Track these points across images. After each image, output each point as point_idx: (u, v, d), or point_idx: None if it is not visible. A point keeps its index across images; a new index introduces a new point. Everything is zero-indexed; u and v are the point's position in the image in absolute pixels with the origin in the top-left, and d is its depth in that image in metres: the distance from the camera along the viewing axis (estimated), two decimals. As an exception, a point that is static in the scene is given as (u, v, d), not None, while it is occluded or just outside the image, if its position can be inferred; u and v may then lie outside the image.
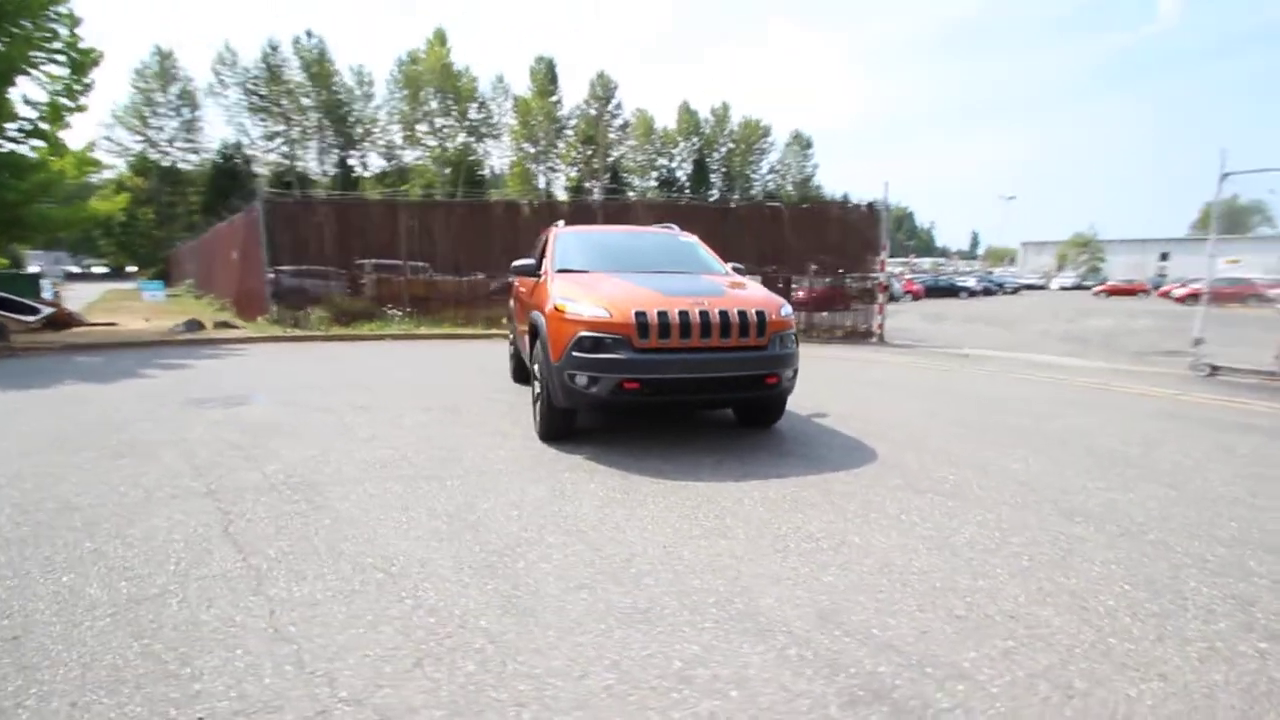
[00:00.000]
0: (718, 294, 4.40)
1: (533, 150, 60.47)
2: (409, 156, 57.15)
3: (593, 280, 4.75)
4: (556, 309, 4.34)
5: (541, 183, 62.10)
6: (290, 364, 8.88)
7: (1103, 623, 2.24)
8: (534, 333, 4.95)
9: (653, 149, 66.51)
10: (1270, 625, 2.24)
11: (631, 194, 59.55)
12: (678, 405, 5.02)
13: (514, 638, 2.11)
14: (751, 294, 4.52)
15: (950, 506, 3.35)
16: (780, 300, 4.59)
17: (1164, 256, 60.15)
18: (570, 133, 61.68)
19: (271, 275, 13.20)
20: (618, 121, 62.90)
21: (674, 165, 68.33)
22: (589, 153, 62.39)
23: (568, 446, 4.47)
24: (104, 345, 10.84)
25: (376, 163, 56.46)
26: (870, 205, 13.31)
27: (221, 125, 73.77)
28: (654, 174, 67.15)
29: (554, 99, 58.99)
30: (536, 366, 4.72)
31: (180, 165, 49.57)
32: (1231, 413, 6.08)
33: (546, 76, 58.05)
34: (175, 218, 46.34)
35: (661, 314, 4.07)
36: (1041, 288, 54.25)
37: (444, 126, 56.71)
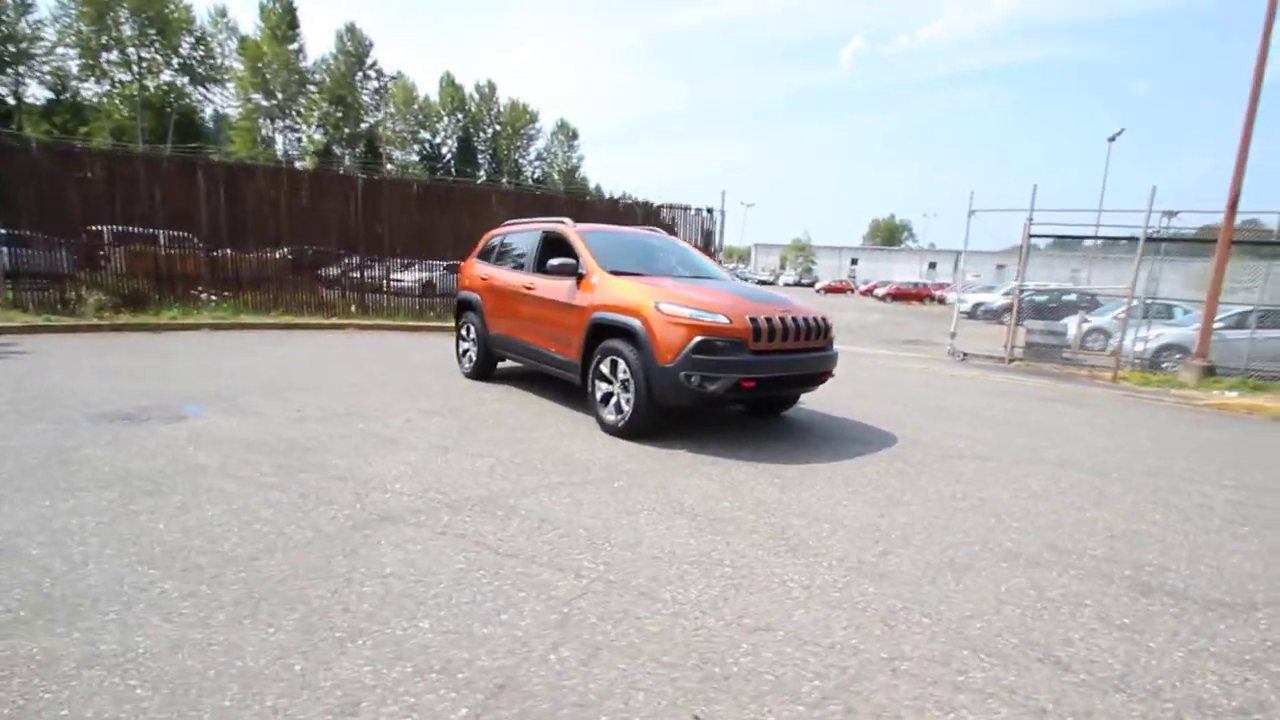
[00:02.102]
0: (784, 303, 4.94)
1: (266, 104, 51.94)
2: (91, 91, 44.82)
3: (662, 284, 4.92)
4: (662, 313, 4.46)
5: (279, 144, 53.83)
6: (129, 362, 6.98)
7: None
8: (597, 333, 4.95)
9: (414, 120, 62.02)
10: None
11: (390, 166, 55.05)
12: (751, 400, 5.39)
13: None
14: (805, 304, 5.14)
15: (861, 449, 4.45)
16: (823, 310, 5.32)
17: (854, 261, 75.23)
18: (314, 89, 54.40)
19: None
20: (372, 85, 57.31)
21: (438, 141, 64.73)
22: (338, 115, 55.82)
23: (656, 443, 4.61)
24: None
25: (41, 94, 43.20)
26: (709, 210, 14.75)
27: None
28: (416, 148, 62.79)
29: (293, 47, 51.34)
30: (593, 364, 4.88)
31: None
32: (990, 382, 8.60)
33: (284, 20, 50.16)
34: None
35: (769, 320, 4.50)
36: (771, 284, 63.99)
37: (144, 60, 45.62)
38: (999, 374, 10.21)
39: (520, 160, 71.44)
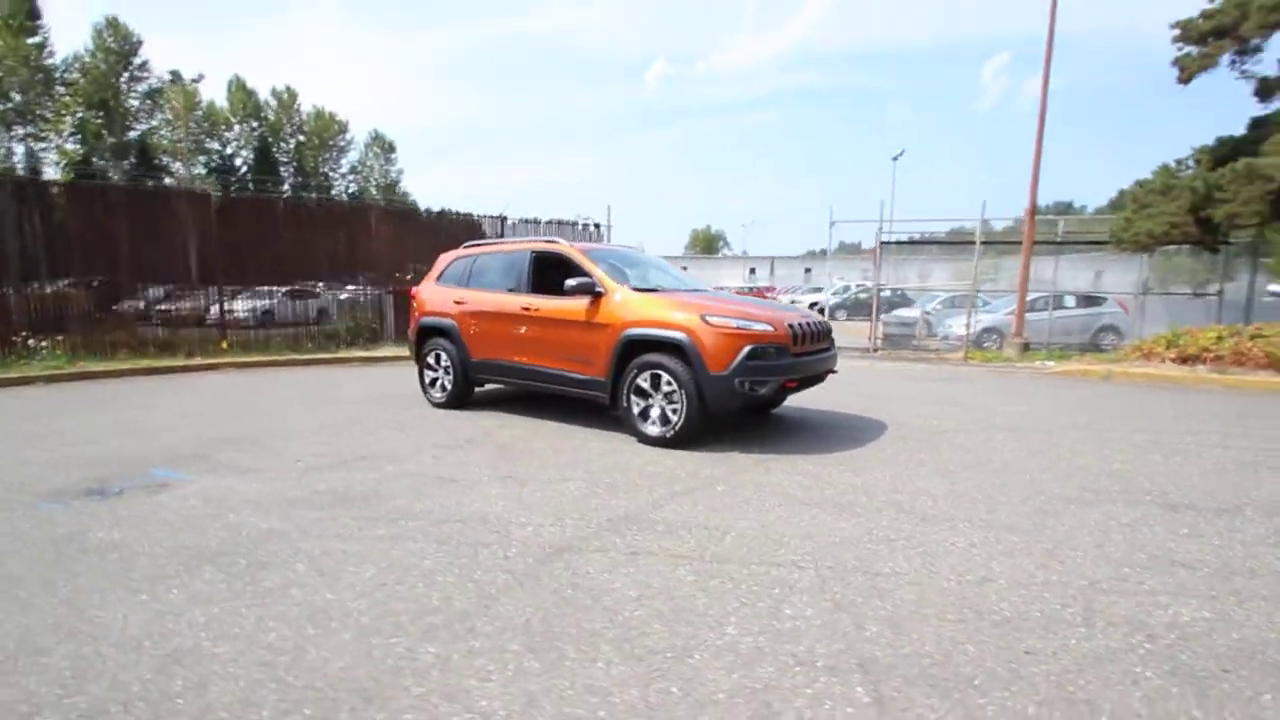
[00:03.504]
0: (793, 310, 5.48)
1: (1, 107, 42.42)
2: None
3: (689, 298, 5.21)
4: (711, 325, 4.75)
5: (19, 154, 44.28)
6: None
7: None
8: (630, 349, 5.09)
9: (199, 128, 54.44)
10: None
11: (169, 180, 48.06)
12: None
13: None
14: (807, 310, 5.72)
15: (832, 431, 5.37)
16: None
17: (684, 268, 79.58)
18: (64, 90, 45.56)
19: None
20: (142, 87, 49.36)
21: (230, 152, 57.48)
22: (98, 121, 47.27)
23: (697, 451, 4.87)
24: None
25: None
26: (595, 224, 15.10)
27: None
28: (203, 159, 55.15)
29: (36, 40, 42.63)
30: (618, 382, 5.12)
31: None
32: (887, 369, 10.09)
33: (21, 8, 41.46)
34: None
35: (800, 326, 4.98)
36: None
37: None
38: (885, 362, 11.78)
39: (331, 173, 65.86)
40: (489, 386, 6.88)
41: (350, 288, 13.12)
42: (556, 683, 2.03)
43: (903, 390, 8.11)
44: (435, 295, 6.69)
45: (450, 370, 6.45)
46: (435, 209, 13.69)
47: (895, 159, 37.99)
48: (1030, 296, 13.71)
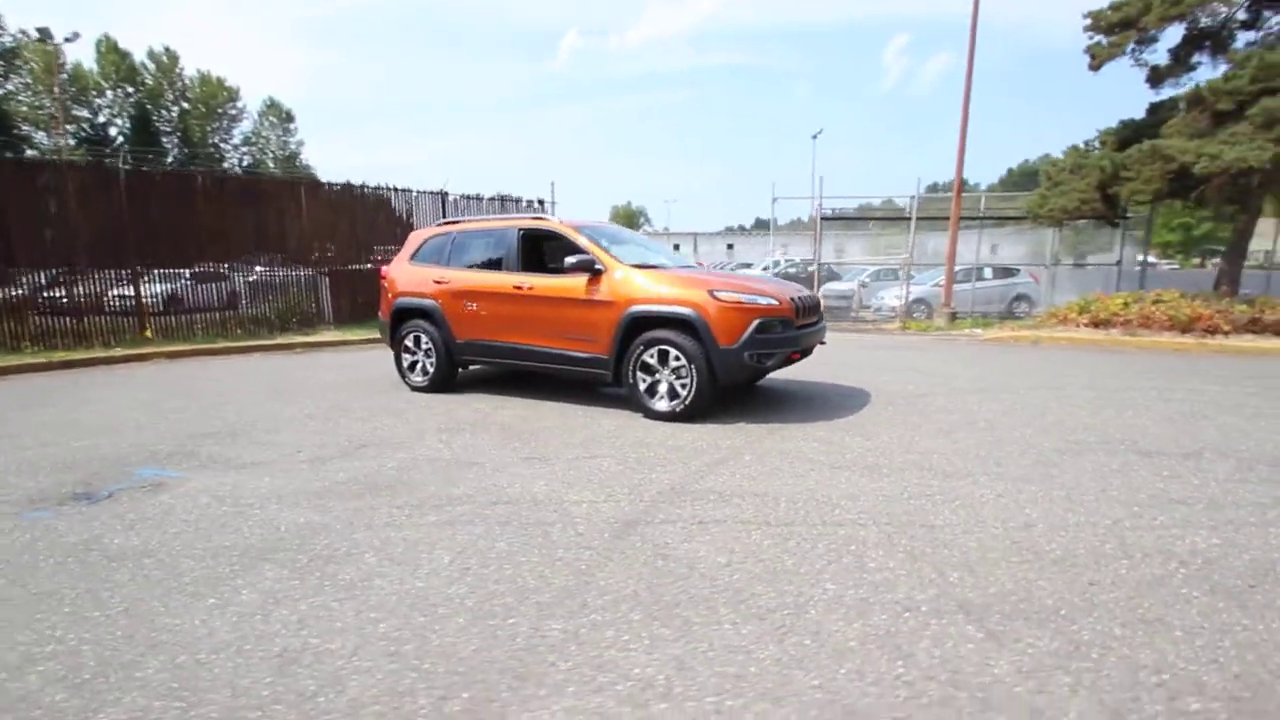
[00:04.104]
0: (787, 284, 5.67)
1: None
2: None
3: (691, 274, 5.30)
4: (720, 300, 4.85)
5: None
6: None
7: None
8: (635, 326, 5.12)
9: (65, 94, 48.60)
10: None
11: (32, 151, 43.10)
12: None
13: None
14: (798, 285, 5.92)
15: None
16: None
17: (677, 246, 79.51)
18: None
19: None
20: (-10, 44, 43.45)
21: (103, 120, 51.86)
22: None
23: (708, 423, 5.00)
24: None
25: None
26: (540, 201, 14.81)
27: None
28: (72, 128, 49.42)
29: None
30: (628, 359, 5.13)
31: None
32: (843, 339, 10.62)
33: None
34: None
35: (800, 299, 5.17)
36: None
37: None
38: (830, 334, 12.26)
39: (222, 144, 60.77)
40: (470, 368, 6.71)
41: (258, 269, 12.08)
42: (695, 646, 2.10)
43: (863, 359, 8.54)
44: (411, 274, 6.43)
45: (432, 353, 6.25)
46: (372, 185, 12.95)
47: (815, 137, 39.31)
48: (936, 271, 14.68)
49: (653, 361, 5.06)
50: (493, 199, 14.45)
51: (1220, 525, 2.98)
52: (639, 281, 5.16)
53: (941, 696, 1.85)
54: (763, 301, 4.90)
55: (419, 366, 6.39)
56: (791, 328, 5.02)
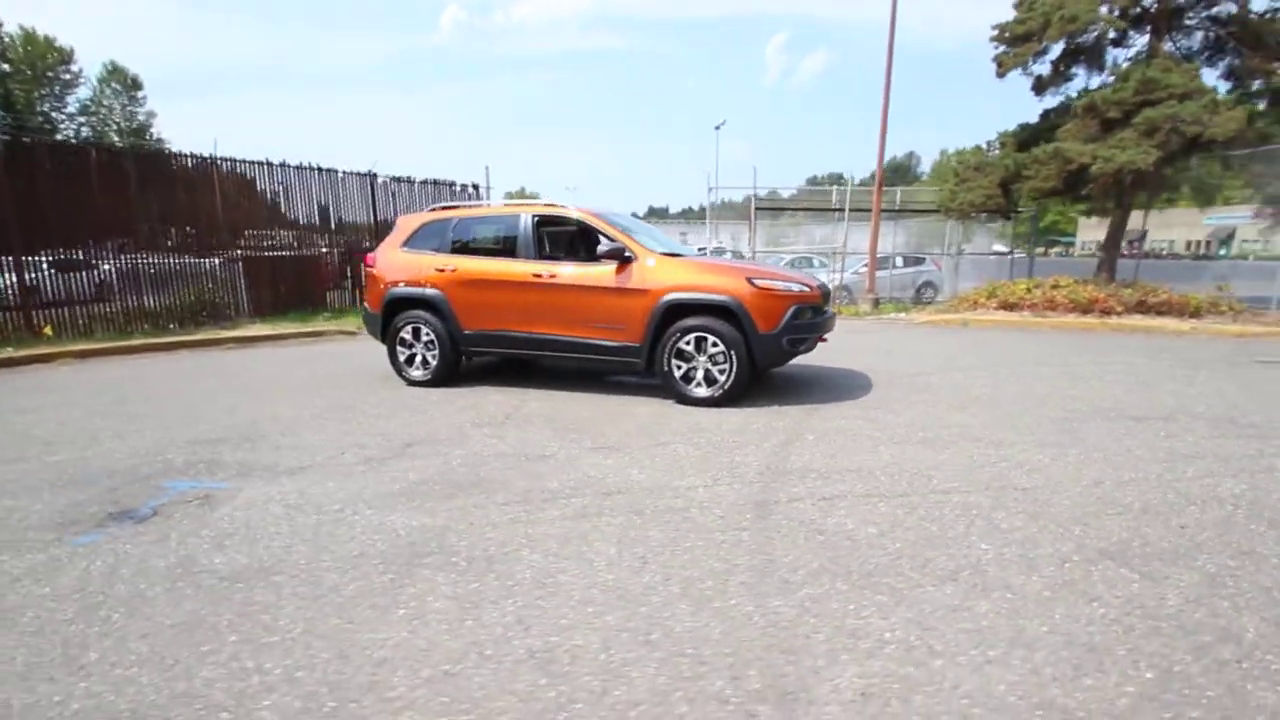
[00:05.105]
0: (802, 273, 5.95)
1: None
2: None
3: (723, 262, 5.48)
4: (759, 288, 5.01)
5: None
6: None
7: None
8: (670, 315, 5.19)
9: None
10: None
11: None
12: None
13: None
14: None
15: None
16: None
17: (684, 234, 77.37)
18: None
19: None
20: None
21: (-106, 78, 43.58)
22: None
23: (743, 408, 5.19)
24: None
25: None
26: (474, 186, 14.27)
27: None
28: None
29: None
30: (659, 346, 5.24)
31: None
32: None
33: None
34: None
35: (821, 287, 5.45)
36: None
37: None
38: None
39: (55, 113, 53.04)
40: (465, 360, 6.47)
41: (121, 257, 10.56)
42: (919, 609, 2.27)
43: (832, 343, 9.02)
44: (406, 262, 6.07)
45: (434, 345, 5.96)
46: (294, 164, 11.91)
47: (718, 128, 40.37)
48: (864, 259, 15.78)
49: (688, 348, 5.15)
50: (424, 182, 13.76)
51: (1238, 473, 3.56)
52: (672, 269, 5.22)
53: (1148, 629, 2.14)
54: (795, 288, 5.12)
55: (417, 359, 6.07)
56: (820, 313, 5.29)
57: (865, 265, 14.58)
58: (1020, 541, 2.76)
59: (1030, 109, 78.38)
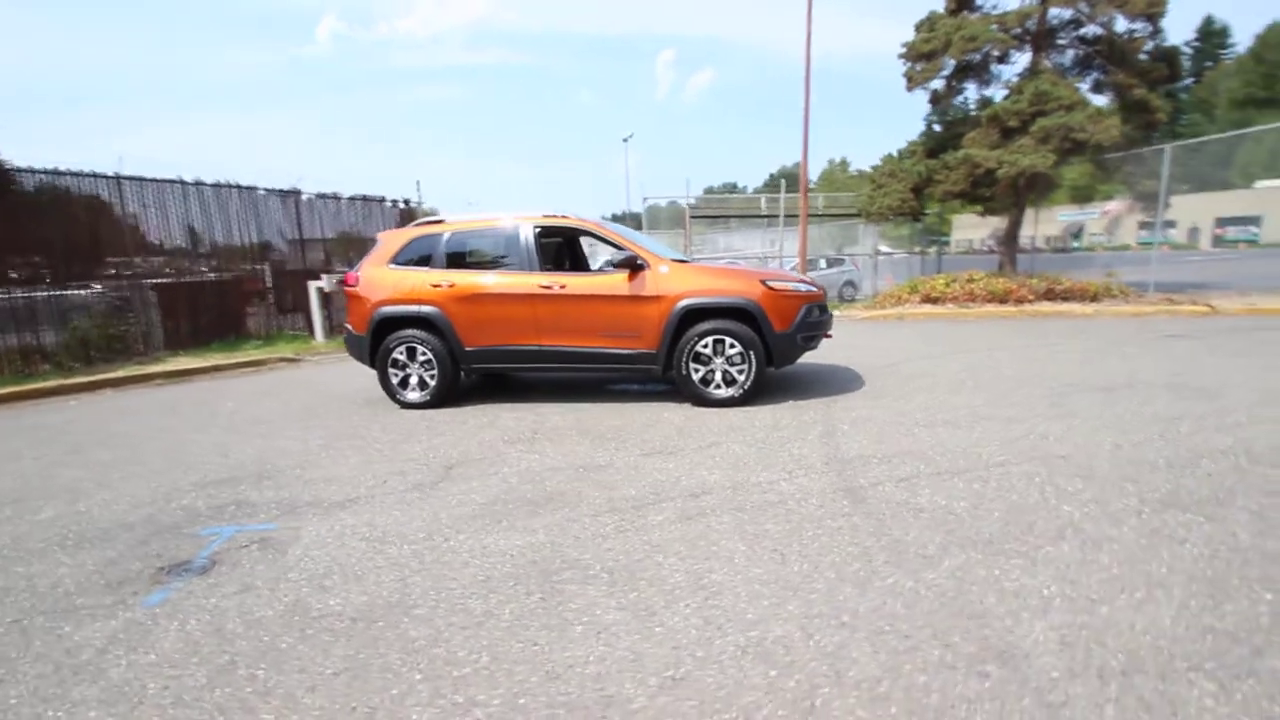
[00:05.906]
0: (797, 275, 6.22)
1: None
2: None
3: (736, 267, 5.66)
4: (774, 290, 5.21)
5: None
6: None
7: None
8: (687, 319, 5.29)
9: None
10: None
11: None
12: None
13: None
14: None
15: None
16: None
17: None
18: None
19: None
20: None
21: None
22: None
23: (757, 407, 5.37)
24: None
25: None
26: (405, 201, 13.75)
27: None
28: None
29: None
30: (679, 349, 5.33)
31: None
32: None
33: None
34: None
35: (821, 287, 5.74)
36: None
37: None
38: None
39: None
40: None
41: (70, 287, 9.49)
42: (1057, 568, 2.48)
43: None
44: (395, 280, 5.80)
45: (433, 364, 5.73)
46: (210, 181, 10.98)
47: (626, 140, 41.07)
48: (792, 261, 16.60)
49: (706, 351, 5.26)
50: (353, 199, 13.09)
51: (1222, 429, 4.10)
52: (685, 275, 5.33)
53: (1242, 560, 2.46)
54: (804, 289, 5.38)
55: (413, 381, 5.81)
56: (826, 311, 5.57)
57: (793, 267, 15.33)
58: (1092, 501, 3.07)
59: (910, 122, 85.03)
